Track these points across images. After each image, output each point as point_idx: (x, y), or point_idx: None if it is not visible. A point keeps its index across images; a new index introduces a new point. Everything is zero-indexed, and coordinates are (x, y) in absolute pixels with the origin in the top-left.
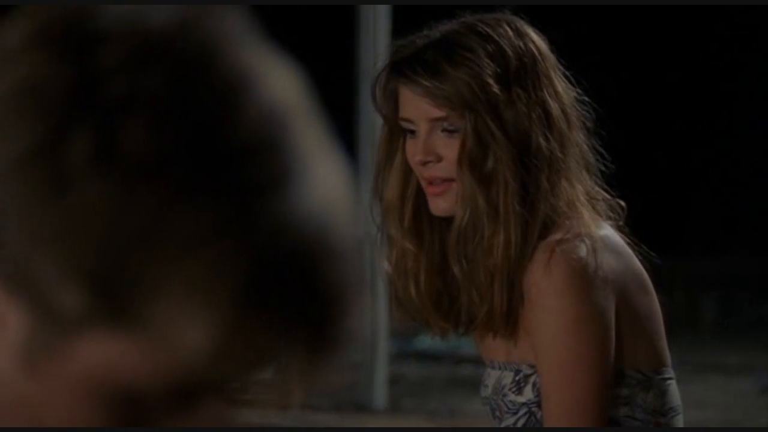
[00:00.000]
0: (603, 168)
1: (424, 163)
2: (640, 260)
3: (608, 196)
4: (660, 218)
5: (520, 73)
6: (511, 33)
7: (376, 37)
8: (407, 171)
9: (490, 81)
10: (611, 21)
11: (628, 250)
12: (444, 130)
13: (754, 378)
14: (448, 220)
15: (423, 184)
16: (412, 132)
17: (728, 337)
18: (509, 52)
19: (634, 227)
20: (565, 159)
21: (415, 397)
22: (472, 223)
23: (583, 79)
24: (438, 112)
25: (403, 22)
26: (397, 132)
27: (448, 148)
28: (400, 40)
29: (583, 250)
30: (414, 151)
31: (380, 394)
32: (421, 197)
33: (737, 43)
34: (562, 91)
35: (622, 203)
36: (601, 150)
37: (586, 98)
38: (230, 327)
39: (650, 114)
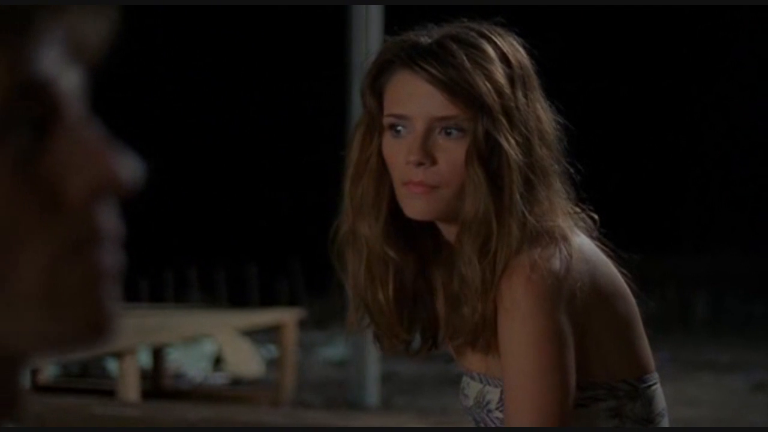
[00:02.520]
0: (575, 183)
1: (418, 165)
2: (616, 267)
3: (579, 210)
4: (652, 218)
5: (522, 81)
6: (506, 43)
7: (368, 38)
8: (382, 171)
9: (503, 83)
10: (608, 27)
11: (604, 258)
12: (444, 131)
13: (746, 375)
14: (423, 226)
15: (400, 183)
16: (398, 130)
17: (719, 335)
18: (511, 59)
19: (627, 227)
20: (554, 170)
21: (406, 395)
22: (480, 223)
23: (576, 84)
24: (448, 110)
25: (395, 23)
26: (374, 130)
27: (447, 152)
28: (398, 36)
29: (560, 263)
30: (405, 150)
31: (372, 392)
32: (395, 199)
33: (728, 44)
34: (544, 104)
35: (595, 216)
36: (575, 167)
37: (561, 111)
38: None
39: (643, 116)
